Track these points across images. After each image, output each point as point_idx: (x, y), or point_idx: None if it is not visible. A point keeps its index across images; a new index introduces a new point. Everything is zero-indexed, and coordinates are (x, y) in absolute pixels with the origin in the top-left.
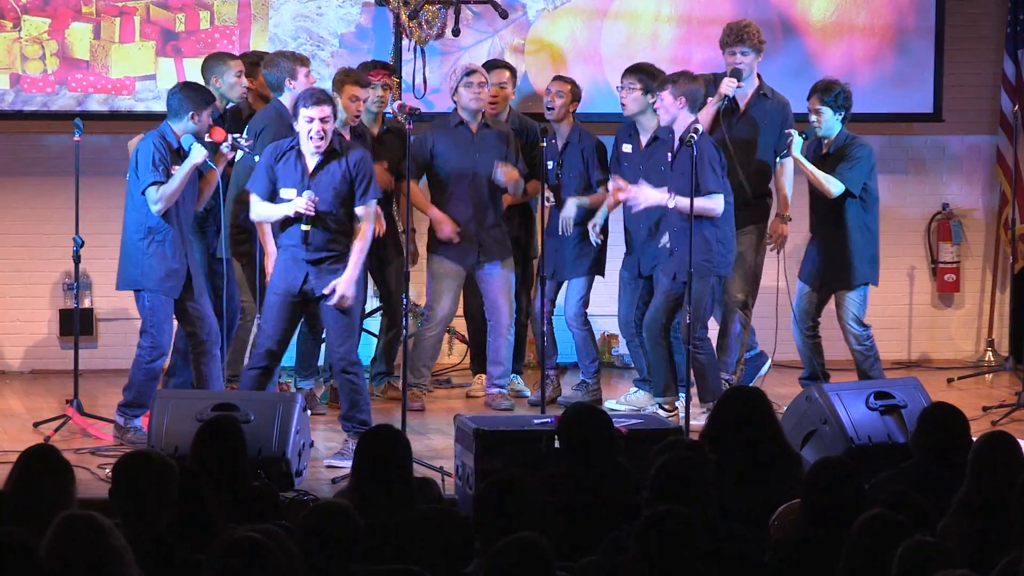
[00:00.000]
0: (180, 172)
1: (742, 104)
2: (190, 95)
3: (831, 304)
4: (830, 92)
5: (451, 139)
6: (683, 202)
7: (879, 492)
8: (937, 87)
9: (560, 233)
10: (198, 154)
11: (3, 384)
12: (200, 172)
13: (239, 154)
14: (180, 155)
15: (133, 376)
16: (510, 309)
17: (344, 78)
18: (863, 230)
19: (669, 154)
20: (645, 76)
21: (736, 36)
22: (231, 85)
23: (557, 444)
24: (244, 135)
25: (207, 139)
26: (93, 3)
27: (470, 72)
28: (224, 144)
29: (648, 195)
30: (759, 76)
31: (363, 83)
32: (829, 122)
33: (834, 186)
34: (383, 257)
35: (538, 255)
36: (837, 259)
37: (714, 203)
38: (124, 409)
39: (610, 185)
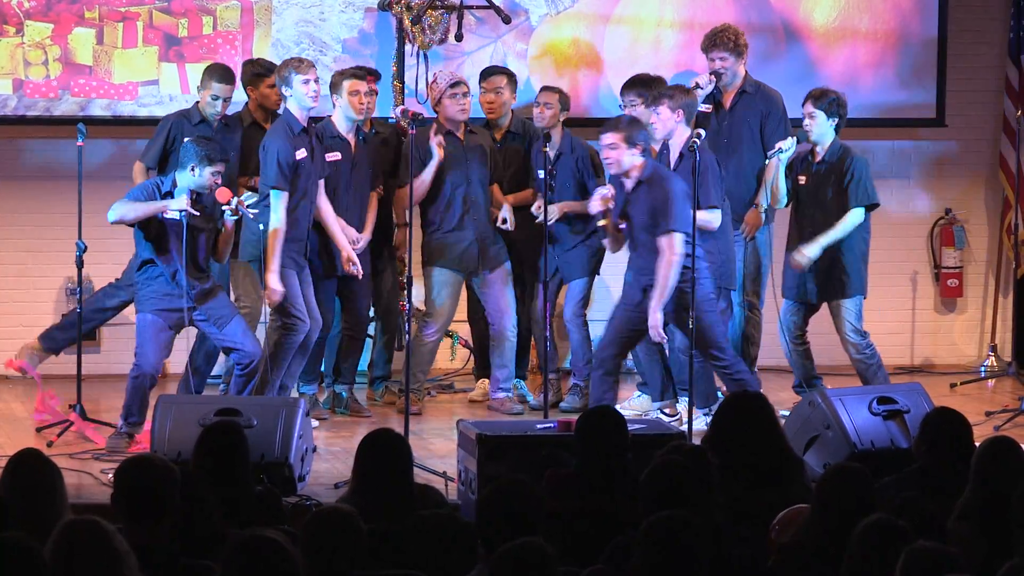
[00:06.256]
0: (149, 205)
1: (727, 104)
2: (193, 149)
3: (823, 312)
4: (824, 98)
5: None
6: None
7: (882, 497)
8: (940, 92)
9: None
10: (177, 201)
11: (6, 388)
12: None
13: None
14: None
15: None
16: (511, 312)
17: (339, 77)
18: (862, 241)
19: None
20: (644, 89)
21: (710, 40)
22: (208, 102)
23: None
24: (251, 197)
25: (209, 196)
26: (96, 8)
27: (454, 83)
28: (226, 207)
29: None
30: (746, 74)
31: (359, 76)
32: (822, 127)
33: (854, 217)
34: (376, 266)
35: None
36: (837, 267)
37: (712, 216)
38: (123, 415)
39: (599, 192)
